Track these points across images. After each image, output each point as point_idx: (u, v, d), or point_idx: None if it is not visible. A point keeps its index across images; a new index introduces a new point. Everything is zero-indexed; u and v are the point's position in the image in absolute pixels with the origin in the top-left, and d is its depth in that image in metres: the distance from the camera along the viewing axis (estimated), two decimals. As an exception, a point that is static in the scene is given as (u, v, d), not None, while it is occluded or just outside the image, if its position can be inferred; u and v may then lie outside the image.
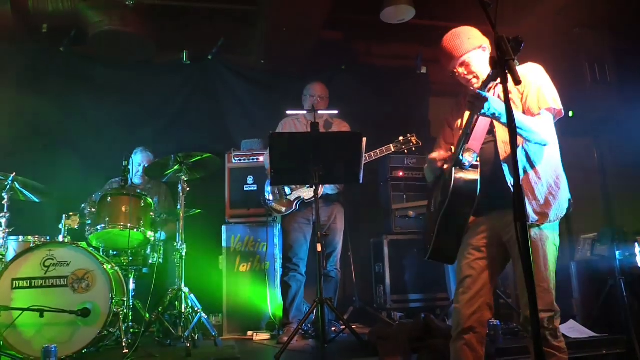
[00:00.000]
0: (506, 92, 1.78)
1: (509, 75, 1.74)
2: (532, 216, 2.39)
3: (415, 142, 4.26)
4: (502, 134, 2.45)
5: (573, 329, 3.80)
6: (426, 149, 4.17)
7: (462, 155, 2.37)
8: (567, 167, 2.52)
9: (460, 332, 2.52)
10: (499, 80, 2.40)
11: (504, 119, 2.26)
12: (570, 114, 4.16)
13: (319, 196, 3.79)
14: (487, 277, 2.52)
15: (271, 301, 4.74)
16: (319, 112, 4.40)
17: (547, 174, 2.46)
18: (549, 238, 2.43)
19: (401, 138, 4.27)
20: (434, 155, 2.67)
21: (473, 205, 2.41)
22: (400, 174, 5.29)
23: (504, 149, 2.43)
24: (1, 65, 5.24)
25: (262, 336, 4.50)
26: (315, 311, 3.72)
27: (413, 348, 3.31)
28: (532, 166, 2.44)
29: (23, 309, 3.39)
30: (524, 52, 1.81)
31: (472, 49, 2.53)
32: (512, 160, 1.71)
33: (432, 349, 3.27)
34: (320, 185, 4.04)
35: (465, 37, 2.54)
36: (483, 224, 2.57)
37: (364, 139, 3.73)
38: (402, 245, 5.08)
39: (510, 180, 2.36)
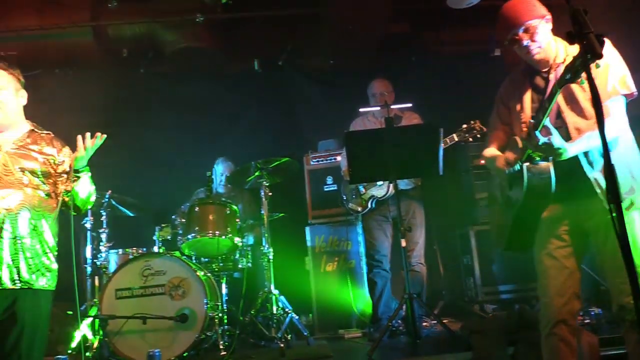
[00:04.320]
0: (588, 69, 1.67)
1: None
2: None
3: (479, 129, 4.10)
4: (572, 118, 2.30)
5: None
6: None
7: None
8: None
9: (552, 327, 2.39)
10: (564, 60, 2.33)
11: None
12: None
13: (394, 193, 3.78)
14: (572, 266, 2.40)
15: (358, 299, 4.76)
16: (392, 106, 4.35)
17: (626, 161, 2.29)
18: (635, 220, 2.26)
19: (464, 126, 4.13)
20: (490, 152, 2.58)
21: (549, 199, 2.30)
22: (482, 161, 5.10)
23: (576, 136, 2.27)
24: (88, 90, 5.61)
25: (353, 334, 4.52)
26: (404, 307, 3.70)
27: (509, 341, 3.20)
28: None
29: (128, 317, 3.62)
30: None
31: (538, 16, 2.36)
32: (601, 139, 1.61)
33: (529, 340, 3.14)
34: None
35: (531, 4, 2.39)
36: (562, 212, 2.41)
37: (441, 130, 3.66)
38: (490, 235, 4.91)
39: (588, 169, 2.24)
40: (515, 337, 3.24)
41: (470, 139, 4.17)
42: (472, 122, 4.14)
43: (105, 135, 2.56)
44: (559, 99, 2.30)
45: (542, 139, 2.13)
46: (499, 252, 4.88)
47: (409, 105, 4.60)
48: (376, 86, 4.60)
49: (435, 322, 4.21)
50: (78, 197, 2.59)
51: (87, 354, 3.79)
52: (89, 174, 2.61)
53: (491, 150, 2.63)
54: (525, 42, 2.36)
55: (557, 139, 2.13)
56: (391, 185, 4.12)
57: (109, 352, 3.64)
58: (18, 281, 2.33)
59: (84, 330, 4.02)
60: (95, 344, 3.77)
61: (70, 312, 4.11)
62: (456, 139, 4.13)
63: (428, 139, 3.61)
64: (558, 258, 2.40)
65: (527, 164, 2.27)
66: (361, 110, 4.67)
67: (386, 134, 3.84)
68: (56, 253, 2.52)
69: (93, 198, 2.72)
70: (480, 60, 6.13)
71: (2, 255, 2.32)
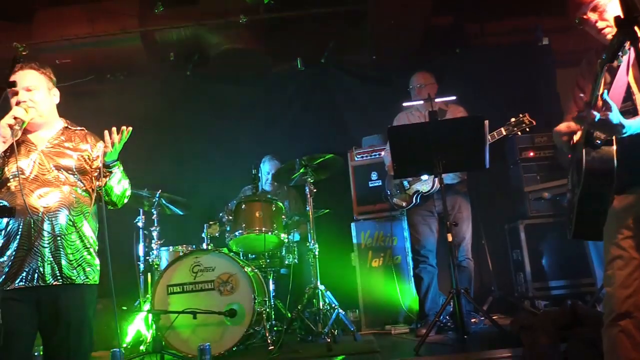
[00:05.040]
0: (638, 55, 1.60)
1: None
2: None
3: (528, 122, 3.98)
4: None
5: None
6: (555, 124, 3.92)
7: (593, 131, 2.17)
8: None
9: (614, 319, 2.28)
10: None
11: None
12: None
13: (439, 187, 3.74)
14: (639, 256, 2.29)
15: (405, 295, 4.73)
16: (436, 100, 4.30)
17: None
18: None
19: (513, 119, 4.01)
20: (560, 127, 2.46)
21: (612, 183, 2.21)
22: (531, 154, 4.99)
23: None
24: (138, 94, 5.81)
25: (400, 330, 4.50)
26: (452, 302, 3.66)
27: (561, 337, 3.11)
28: None
29: (179, 312, 3.73)
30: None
31: None
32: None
33: (582, 337, 3.05)
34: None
35: None
36: (632, 200, 2.30)
37: (486, 122, 3.59)
38: (540, 229, 4.79)
39: None
40: (568, 333, 3.15)
41: (519, 133, 4.06)
42: (520, 115, 4.03)
43: (130, 128, 2.50)
44: (630, 79, 2.22)
45: (598, 115, 2.06)
46: (550, 247, 4.75)
47: (453, 98, 4.54)
48: (416, 79, 4.56)
49: (483, 318, 4.14)
50: (113, 192, 2.60)
51: (141, 347, 3.94)
52: (121, 167, 2.60)
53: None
54: (593, 22, 2.30)
55: (615, 115, 2.04)
56: (436, 179, 4.07)
57: (161, 345, 3.75)
58: (60, 277, 2.36)
59: (138, 325, 4.19)
60: (149, 338, 3.90)
61: (125, 308, 4.30)
62: (504, 133, 4.02)
63: (473, 131, 3.55)
64: (626, 248, 2.29)
65: (587, 147, 2.20)
66: (405, 104, 4.64)
67: (430, 128, 3.81)
68: (97, 248, 2.55)
69: (129, 192, 2.71)
70: (527, 50, 5.99)
71: (44, 252, 2.35)
